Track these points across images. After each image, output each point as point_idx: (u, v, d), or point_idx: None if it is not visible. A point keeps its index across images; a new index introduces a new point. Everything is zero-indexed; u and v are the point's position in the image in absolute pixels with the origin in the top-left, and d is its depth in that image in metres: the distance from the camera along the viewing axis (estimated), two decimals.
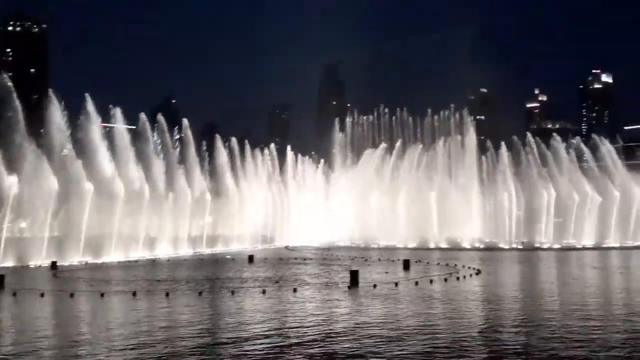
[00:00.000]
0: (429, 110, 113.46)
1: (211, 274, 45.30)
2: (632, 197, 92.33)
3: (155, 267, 53.67)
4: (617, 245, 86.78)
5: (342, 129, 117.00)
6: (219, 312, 28.04)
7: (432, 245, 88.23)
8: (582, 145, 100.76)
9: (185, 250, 74.69)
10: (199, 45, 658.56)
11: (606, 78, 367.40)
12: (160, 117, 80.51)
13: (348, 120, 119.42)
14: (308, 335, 21.61)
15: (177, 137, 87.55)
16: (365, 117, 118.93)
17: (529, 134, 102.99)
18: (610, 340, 20.74)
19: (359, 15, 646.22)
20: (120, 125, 72.19)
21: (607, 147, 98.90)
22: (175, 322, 25.18)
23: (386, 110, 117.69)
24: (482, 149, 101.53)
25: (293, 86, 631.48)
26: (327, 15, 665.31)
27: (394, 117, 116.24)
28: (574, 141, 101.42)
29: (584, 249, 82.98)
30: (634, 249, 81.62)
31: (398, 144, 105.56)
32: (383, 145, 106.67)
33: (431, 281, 38.62)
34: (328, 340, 20.87)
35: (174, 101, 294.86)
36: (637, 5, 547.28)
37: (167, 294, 32.88)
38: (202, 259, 64.70)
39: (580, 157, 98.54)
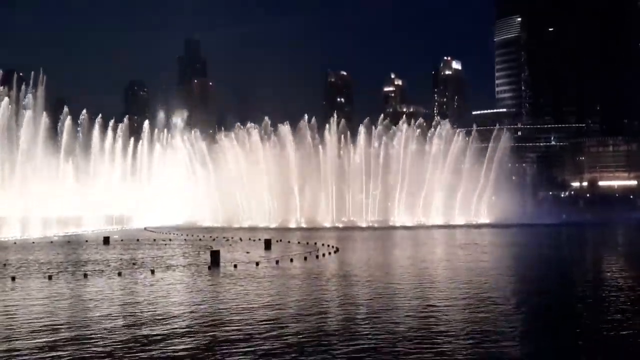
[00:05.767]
0: None
1: (63, 257, 43.13)
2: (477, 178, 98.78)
3: (1, 250, 50.04)
4: (462, 223, 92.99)
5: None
6: (70, 297, 26.67)
7: (293, 225, 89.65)
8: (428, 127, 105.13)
9: (34, 233, 70.21)
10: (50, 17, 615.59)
11: (456, 65, 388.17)
12: None
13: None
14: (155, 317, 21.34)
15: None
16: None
17: (381, 117, 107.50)
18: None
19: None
20: None
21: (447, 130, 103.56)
22: (19, 311, 23.68)
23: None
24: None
25: (150, 60, 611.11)
26: None
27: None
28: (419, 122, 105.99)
29: (433, 227, 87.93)
30: (477, 227, 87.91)
31: (265, 121, 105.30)
32: (250, 124, 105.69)
33: (291, 260, 39.41)
34: (178, 328, 20.72)
35: (21, 74, 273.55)
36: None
37: (13, 278, 30.90)
38: (52, 241, 61.19)
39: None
